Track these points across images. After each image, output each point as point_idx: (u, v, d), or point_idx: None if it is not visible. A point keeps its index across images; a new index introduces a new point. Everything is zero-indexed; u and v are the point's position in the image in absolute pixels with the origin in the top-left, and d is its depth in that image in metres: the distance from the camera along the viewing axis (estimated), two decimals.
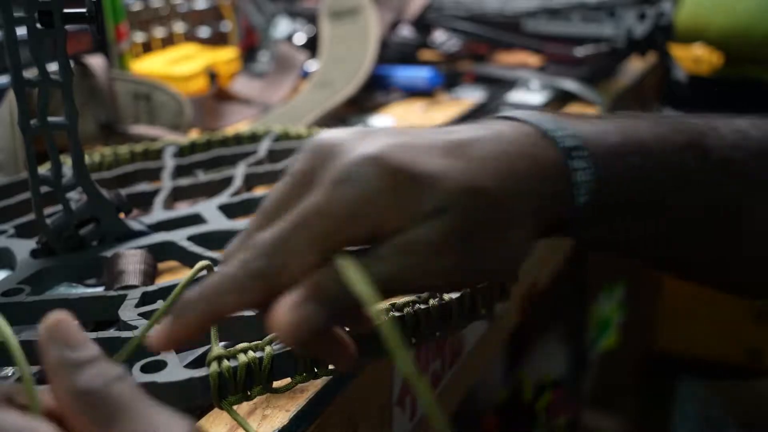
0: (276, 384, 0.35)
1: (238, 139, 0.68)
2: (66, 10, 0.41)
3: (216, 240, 0.49)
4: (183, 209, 0.55)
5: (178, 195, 0.59)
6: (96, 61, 0.73)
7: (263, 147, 0.65)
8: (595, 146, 0.33)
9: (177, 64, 0.88)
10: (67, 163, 0.47)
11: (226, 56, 0.93)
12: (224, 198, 0.56)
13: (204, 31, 1.03)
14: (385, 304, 0.37)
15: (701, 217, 0.37)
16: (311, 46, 0.98)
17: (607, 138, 0.34)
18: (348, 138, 0.30)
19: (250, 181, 0.60)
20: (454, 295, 0.38)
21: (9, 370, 0.38)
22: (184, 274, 0.44)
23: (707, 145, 0.36)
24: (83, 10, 0.41)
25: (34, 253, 0.47)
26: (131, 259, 0.46)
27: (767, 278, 0.42)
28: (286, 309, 0.28)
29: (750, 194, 0.38)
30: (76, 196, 0.50)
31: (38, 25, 0.42)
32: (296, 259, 0.29)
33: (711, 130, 0.37)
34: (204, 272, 0.34)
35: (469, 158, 0.31)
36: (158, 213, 0.54)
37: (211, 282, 0.29)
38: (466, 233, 0.30)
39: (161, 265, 0.49)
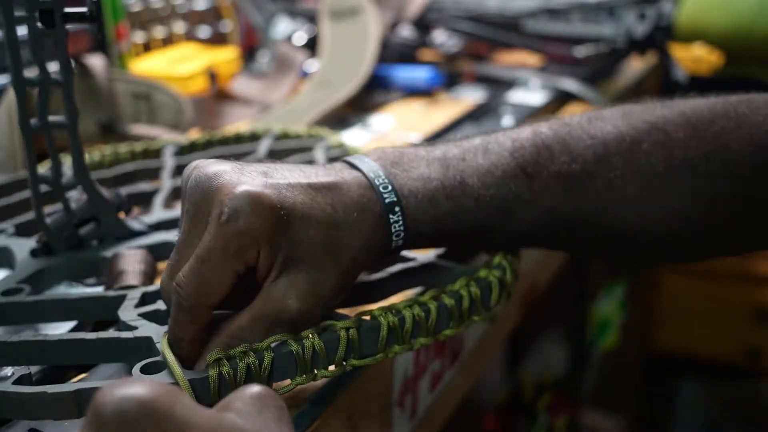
0: (276, 385, 0.35)
1: (238, 139, 0.68)
2: (67, 10, 0.41)
3: None
4: None
5: (178, 194, 0.58)
6: (96, 61, 0.73)
7: (263, 146, 0.65)
8: (409, 198, 0.39)
9: (177, 64, 0.88)
10: (67, 162, 0.47)
11: (226, 56, 0.93)
12: None
13: (204, 31, 1.03)
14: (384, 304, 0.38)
15: (532, 228, 0.41)
16: (311, 46, 0.98)
17: (425, 186, 0.39)
18: (226, 171, 0.35)
19: None
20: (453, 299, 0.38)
21: (9, 370, 0.38)
22: None
23: (541, 164, 0.41)
24: (84, 9, 0.41)
25: (33, 253, 0.47)
26: (131, 259, 0.46)
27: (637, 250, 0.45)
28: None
29: (586, 198, 0.41)
30: (75, 196, 0.50)
31: (39, 25, 0.42)
32: (213, 287, 0.35)
33: (558, 143, 0.41)
34: None
35: (319, 198, 0.37)
36: (158, 212, 0.54)
37: (170, 326, 0.36)
38: (325, 253, 0.36)
39: (161, 265, 0.49)
